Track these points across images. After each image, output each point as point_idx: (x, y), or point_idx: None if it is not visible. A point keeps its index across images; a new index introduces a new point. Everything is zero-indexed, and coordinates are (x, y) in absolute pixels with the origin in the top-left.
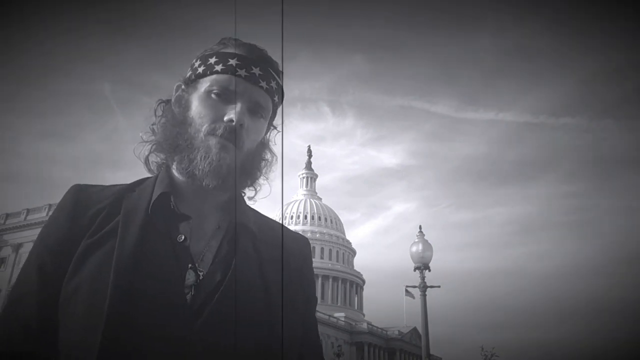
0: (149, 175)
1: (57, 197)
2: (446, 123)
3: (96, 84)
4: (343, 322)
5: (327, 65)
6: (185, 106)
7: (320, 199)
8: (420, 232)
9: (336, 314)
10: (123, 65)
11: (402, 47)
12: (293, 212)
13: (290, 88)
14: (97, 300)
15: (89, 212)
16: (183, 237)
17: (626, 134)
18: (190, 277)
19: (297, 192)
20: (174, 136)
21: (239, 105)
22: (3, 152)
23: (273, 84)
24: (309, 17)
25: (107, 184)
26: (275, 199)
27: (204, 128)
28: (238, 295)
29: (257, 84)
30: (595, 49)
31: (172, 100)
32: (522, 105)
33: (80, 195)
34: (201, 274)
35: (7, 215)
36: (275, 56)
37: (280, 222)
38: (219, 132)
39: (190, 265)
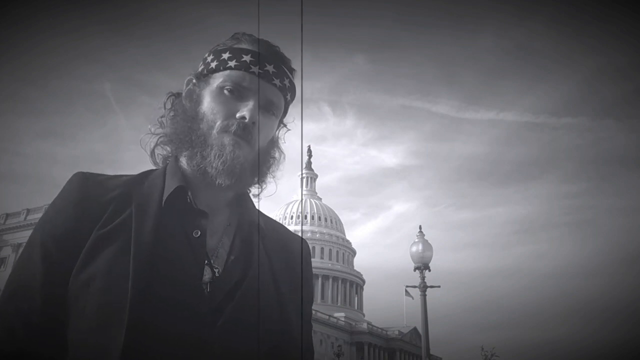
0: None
1: None
2: (447, 123)
3: (96, 83)
4: (343, 322)
5: (328, 65)
6: (196, 101)
7: (320, 199)
8: (420, 232)
9: (336, 314)
10: (123, 64)
11: (403, 47)
12: (293, 212)
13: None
14: (113, 295)
15: (98, 201)
16: (199, 233)
17: (627, 134)
18: (206, 274)
19: (297, 192)
20: (185, 131)
21: (252, 103)
22: (3, 151)
23: (286, 81)
24: (310, 17)
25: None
26: (275, 199)
27: (217, 125)
28: (254, 295)
29: (271, 82)
30: (596, 49)
31: (183, 94)
32: (522, 105)
33: (87, 184)
34: (216, 270)
35: (7, 215)
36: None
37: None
38: (232, 128)
39: (206, 262)
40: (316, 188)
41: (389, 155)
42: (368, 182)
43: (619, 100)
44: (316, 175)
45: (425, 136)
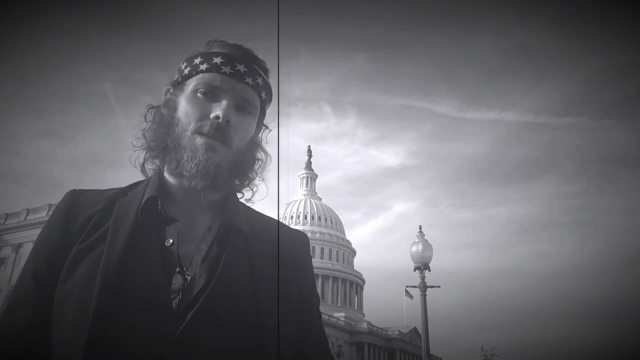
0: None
1: (57, 197)
2: (447, 123)
3: (97, 83)
4: (343, 322)
5: (328, 65)
6: (172, 108)
7: (320, 199)
8: (420, 232)
9: (336, 314)
10: (124, 64)
11: (404, 47)
12: (293, 212)
13: (292, 87)
14: (87, 305)
15: (80, 217)
16: (171, 241)
17: (627, 134)
18: (177, 282)
19: (297, 192)
20: (161, 137)
21: (224, 102)
22: (3, 151)
23: (259, 80)
24: (311, 17)
25: (107, 185)
26: (274, 198)
27: (191, 127)
28: (224, 297)
29: (242, 80)
30: (596, 49)
31: (162, 104)
32: (523, 104)
33: (74, 200)
34: (189, 277)
35: (7, 215)
36: (274, 54)
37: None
38: (205, 129)
39: (177, 269)
40: (316, 188)
41: (390, 155)
42: (368, 182)
43: (619, 100)
44: (316, 175)
45: (425, 136)
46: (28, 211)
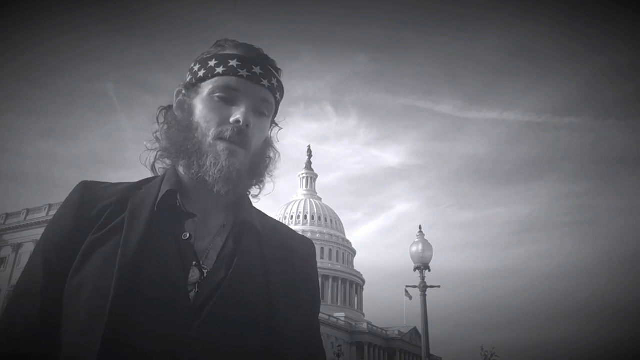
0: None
1: (57, 197)
2: (449, 123)
3: (98, 83)
4: (343, 322)
5: (330, 65)
6: (188, 111)
7: (320, 198)
8: (420, 232)
9: (336, 314)
10: (125, 64)
11: (406, 47)
12: (293, 212)
13: (293, 87)
14: (100, 296)
15: (95, 208)
16: (188, 235)
17: (629, 134)
18: (194, 275)
19: (297, 192)
20: (180, 141)
21: (243, 106)
22: (4, 151)
23: (274, 81)
24: (312, 17)
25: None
26: (276, 198)
27: (212, 132)
28: (239, 294)
29: (259, 83)
30: (598, 50)
31: (174, 105)
32: (524, 105)
33: (87, 192)
34: (205, 271)
35: (7, 215)
36: (275, 54)
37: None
38: (227, 134)
39: (194, 263)
40: (318, 188)
41: (391, 155)
42: (370, 182)
43: (620, 100)
44: (316, 175)
45: (427, 136)
46: (28, 211)
